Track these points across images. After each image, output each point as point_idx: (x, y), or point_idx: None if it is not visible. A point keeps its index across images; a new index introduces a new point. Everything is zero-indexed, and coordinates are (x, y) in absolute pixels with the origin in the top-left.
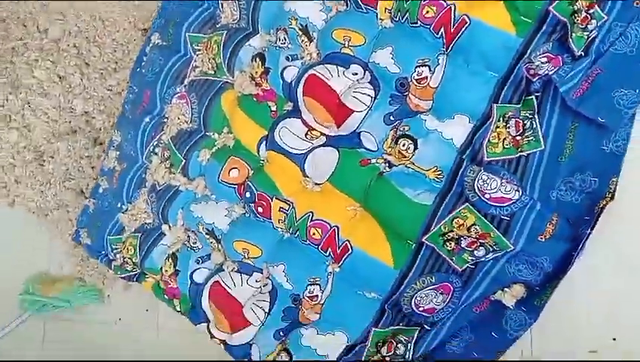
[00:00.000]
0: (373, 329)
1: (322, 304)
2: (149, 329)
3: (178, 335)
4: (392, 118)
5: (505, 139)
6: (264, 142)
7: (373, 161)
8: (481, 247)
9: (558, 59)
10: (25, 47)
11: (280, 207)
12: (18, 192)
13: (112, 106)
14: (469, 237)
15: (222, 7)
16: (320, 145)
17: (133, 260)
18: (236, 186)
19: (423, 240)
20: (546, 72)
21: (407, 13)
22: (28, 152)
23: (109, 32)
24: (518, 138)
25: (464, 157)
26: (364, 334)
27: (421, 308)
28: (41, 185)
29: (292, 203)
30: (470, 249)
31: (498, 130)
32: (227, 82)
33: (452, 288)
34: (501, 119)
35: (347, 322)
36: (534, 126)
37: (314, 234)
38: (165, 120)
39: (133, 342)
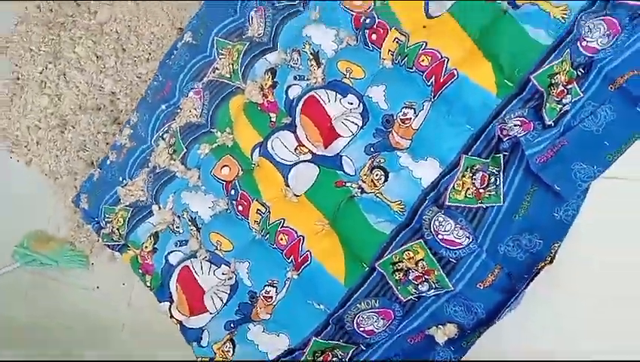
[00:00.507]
0: (314, 338)
1: (275, 305)
2: (123, 301)
3: (147, 310)
4: (372, 148)
5: (468, 189)
6: (258, 148)
7: (348, 184)
8: (425, 282)
9: (530, 125)
10: (73, 24)
11: (258, 209)
12: (37, 153)
13: (137, 92)
14: (416, 270)
15: (251, 20)
16: (305, 161)
17: (120, 231)
18: (225, 183)
19: (376, 265)
20: (516, 134)
21: (406, 58)
22: (54, 119)
23: (149, 24)
24: (481, 191)
25: (428, 197)
26: (304, 341)
27: (362, 329)
28: (58, 150)
29: (269, 207)
30: (415, 282)
31: (464, 179)
32: (239, 88)
33: (393, 315)
34: (468, 170)
35: (293, 327)
36: (498, 183)
37: (281, 239)
38: (179, 110)
39: (113, 312)
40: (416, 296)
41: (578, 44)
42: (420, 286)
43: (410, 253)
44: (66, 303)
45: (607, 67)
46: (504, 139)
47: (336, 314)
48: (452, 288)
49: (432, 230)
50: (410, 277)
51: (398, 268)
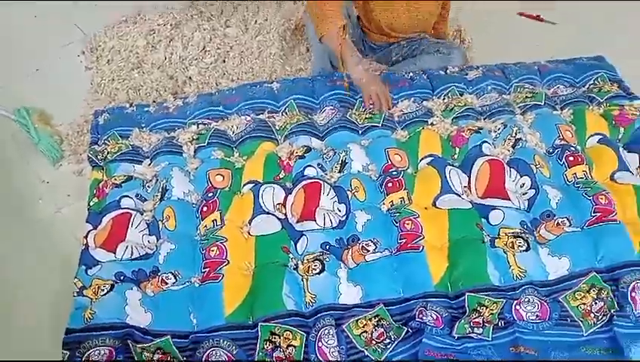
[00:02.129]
0: (169, 338)
1: (163, 290)
2: (54, 204)
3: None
4: (327, 247)
5: (366, 332)
6: (253, 185)
7: (290, 255)
8: None
9: (441, 324)
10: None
11: (214, 219)
12: (100, 67)
13: (207, 89)
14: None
15: (323, 110)
16: (276, 218)
17: (108, 156)
18: (210, 185)
19: (259, 324)
20: (427, 322)
21: (398, 214)
22: (136, 58)
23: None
24: (373, 341)
25: (329, 312)
26: (158, 333)
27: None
28: (117, 77)
29: (224, 224)
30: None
31: (370, 321)
32: (276, 139)
33: None
34: (376, 318)
35: (161, 316)
36: (388, 345)
37: (211, 251)
38: (226, 119)
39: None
40: None
41: (514, 303)
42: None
43: (289, 333)
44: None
45: (521, 336)
46: (416, 319)
47: (199, 335)
48: None
49: (319, 338)
50: (272, 352)
51: (272, 339)
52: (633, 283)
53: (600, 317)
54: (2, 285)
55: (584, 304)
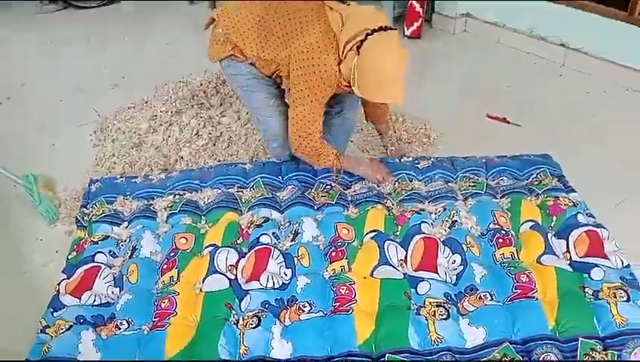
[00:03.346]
0: None
1: (115, 334)
2: (45, 258)
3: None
4: (267, 306)
5: None
6: (212, 247)
7: (233, 312)
8: None
9: None
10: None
11: (172, 276)
12: (105, 143)
13: (195, 164)
14: None
15: (286, 188)
16: (226, 277)
17: (92, 218)
18: (174, 246)
19: None
20: None
21: (336, 279)
22: (138, 138)
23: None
24: None
25: None
26: None
27: None
28: (118, 153)
29: (178, 280)
30: None
31: None
32: (240, 210)
33: None
34: None
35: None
36: None
37: (164, 302)
38: (199, 191)
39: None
40: None
41: None
42: None
43: None
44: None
45: None
46: None
47: None
48: None
49: None
50: None
51: None
52: (543, 354)
53: None
54: None
55: None
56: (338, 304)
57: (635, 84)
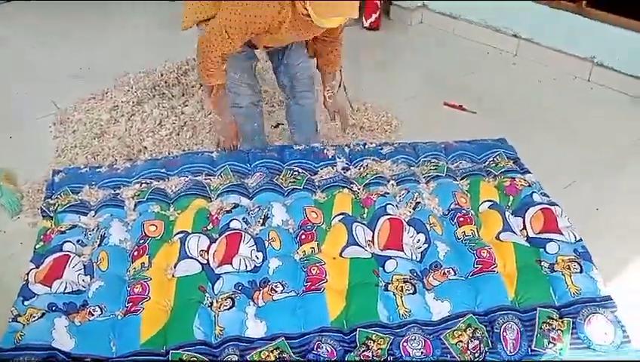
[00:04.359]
0: None
1: (89, 320)
2: (10, 250)
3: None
4: (240, 288)
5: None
6: (182, 234)
7: (207, 294)
8: None
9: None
10: None
11: (143, 262)
12: (65, 136)
13: (158, 152)
14: None
15: (253, 175)
16: (198, 262)
17: (58, 208)
18: (144, 234)
19: (171, 352)
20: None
21: (307, 261)
22: (99, 128)
23: None
24: None
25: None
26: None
27: None
28: (79, 143)
29: (150, 266)
30: None
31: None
32: (210, 198)
33: None
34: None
35: (84, 341)
36: None
37: (136, 287)
38: (166, 180)
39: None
40: None
41: (401, 341)
42: None
43: (196, 360)
44: None
45: None
46: (312, 352)
47: (116, 360)
48: None
49: None
50: None
51: None
52: (504, 324)
53: (476, 355)
54: None
55: (461, 341)
56: (309, 283)
57: (582, 72)
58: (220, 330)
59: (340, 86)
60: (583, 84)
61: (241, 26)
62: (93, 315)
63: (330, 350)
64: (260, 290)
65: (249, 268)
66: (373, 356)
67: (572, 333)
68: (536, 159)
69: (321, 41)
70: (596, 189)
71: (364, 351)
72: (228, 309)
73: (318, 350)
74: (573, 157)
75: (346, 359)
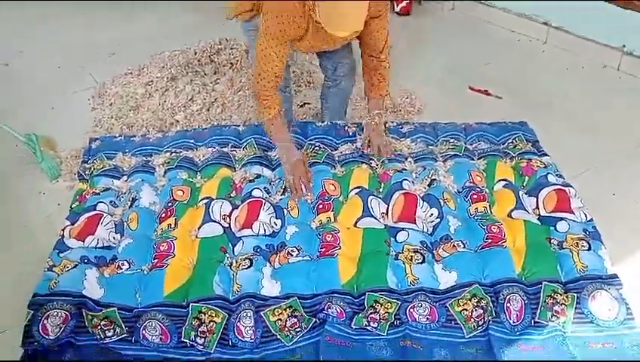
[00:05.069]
0: (115, 309)
1: (117, 274)
2: (48, 210)
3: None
4: (258, 250)
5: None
6: (207, 200)
7: (227, 255)
8: None
9: (343, 314)
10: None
11: (169, 224)
12: (104, 107)
13: (189, 125)
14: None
15: (274, 151)
16: (220, 225)
17: (94, 173)
18: (172, 198)
19: (191, 304)
20: (331, 314)
21: (323, 228)
22: (134, 101)
23: None
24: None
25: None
26: (104, 305)
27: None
28: (115, 115)
29: (176, 227)
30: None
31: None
32: (234, 167)
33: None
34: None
35: (112, 293)
36: (297, 330)
37: (162, 246)
38: (195, 149)
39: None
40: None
41: (408, 306)
42: None
43: (213, 312)
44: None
45: (410, 333)
46: (324, 310)
47: (141, 309)
48: None
49: (239, 319)
50: (198, 327)
51: (199, 317)
52: (509, 296)
53: (480, 324)
54: None
55: (466, 310)
56: (324, 249)
57: (611, 61)
58: (238, 287)
59: (385, 126)
60: (611, 73)
61: (276, 33)
62: (121, 269)
63: (339, 311)
64: (277, 254)
65: (267, 233)
66: (380, 319)
67: (576, 308)
68: (556, 146)
69: (366, 57)
70: (613, 178)
71: (371, 314)
72: (246, 269)
73: (328, 310)
74: (592, 145)
75: (355, 320)
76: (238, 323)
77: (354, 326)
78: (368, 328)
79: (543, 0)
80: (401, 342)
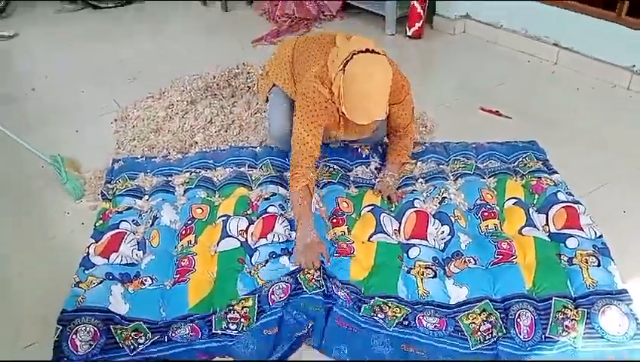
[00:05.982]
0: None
1: (141, 289)
2: (72, 229)
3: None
4: (273, 256)
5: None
6: (224, 218)
7: (246, 265)
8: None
9: (349, 300)
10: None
11: (189, 240)
12: (126, 130)
13: (206, 146)
14: (238, 311)
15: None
16: (237, 240)
17: (116, 192)
18: (191, 216)
19: (216, 313)
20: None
21: (336, 245)
22: (155, 124)
23: None
24: None
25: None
26: (129, 320)
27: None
28: (136, 136)
29: (195, 243)
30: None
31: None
32: (250, 187)
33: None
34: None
35: (136, 307)
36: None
37: (183, 261)
38: (213, 170)
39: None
40: None
41: (418, 314)
42: None
43: (244, 301)
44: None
45: (416, 338)
46: (334, 293)
47: (165, 322)
48: None
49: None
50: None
51: (232, 315)
52: (519, 311)
53: (487, 337)
54: (12, 283)
55: (475, 323)
56: (338, 254)
57: (621, 81)
58: (264, 283)
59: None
60: (621, 93)
61: (310, 117)
62: (144, 284)
63: (347, 298)
64: (288, 256)
65: (282, 240)
66: (387, 315)
67: (586, 323)
68: (566, 164)
69: (392, 131)
70: (623, 196)
71: (379, 308)
72: (263, 266)
73: (338, 293)
74: (602, 163)
75: (362, 310)
76: (272, 296)
77: (362, 313)
78: (375, 318)
79: (553, 22)
80: (404, 346)
